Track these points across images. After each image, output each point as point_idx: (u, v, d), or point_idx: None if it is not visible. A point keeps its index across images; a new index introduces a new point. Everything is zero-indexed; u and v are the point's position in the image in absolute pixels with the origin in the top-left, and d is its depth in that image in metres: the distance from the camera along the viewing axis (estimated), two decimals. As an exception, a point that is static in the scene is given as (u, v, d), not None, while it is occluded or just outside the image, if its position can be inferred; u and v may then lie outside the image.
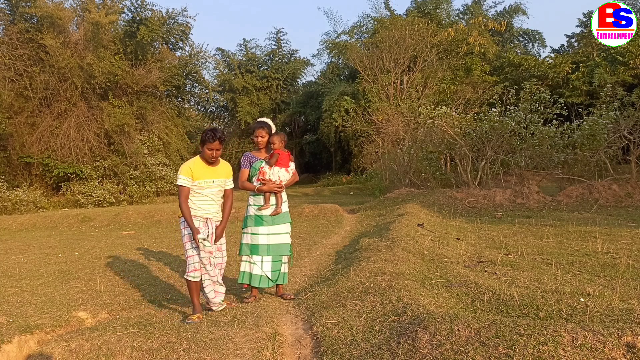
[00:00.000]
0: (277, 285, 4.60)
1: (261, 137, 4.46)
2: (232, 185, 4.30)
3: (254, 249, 4.44)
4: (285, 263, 4.59)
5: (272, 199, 4.47)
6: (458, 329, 2.87)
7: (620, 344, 2.48)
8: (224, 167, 4.22)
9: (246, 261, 4.51)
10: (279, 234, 4.47)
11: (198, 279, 4.04)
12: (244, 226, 4.56)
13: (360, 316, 3.63)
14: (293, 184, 4.65)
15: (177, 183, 3.97)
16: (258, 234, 4.42)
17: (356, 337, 3.32)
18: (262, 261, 4.42)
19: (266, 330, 3.53)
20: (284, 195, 4.57)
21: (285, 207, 4.57)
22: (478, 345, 2.70)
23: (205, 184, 4.03)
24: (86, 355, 3.11)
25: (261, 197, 4.44)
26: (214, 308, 4.20)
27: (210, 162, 4.06)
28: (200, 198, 4.05)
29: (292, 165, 4.56)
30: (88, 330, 3.52)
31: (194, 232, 3.96)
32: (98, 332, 3.38)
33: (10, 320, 3.97)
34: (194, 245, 4.01)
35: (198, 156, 4.12)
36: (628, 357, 2.41)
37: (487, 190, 11.51)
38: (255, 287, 4.55)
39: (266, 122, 4.55)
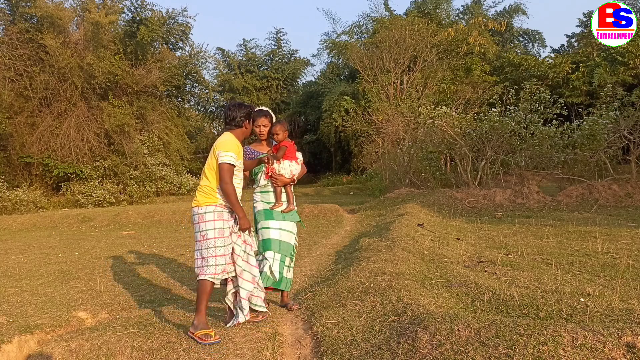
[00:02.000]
0: (282, 292, 4.22)
1: (264, 126, 4.00)
2: None
3: (266, 244, 3.98)
4: (288, 267, 4.12)
5: (283, 195, 4.13)
6: (458, 329, 2.87)
7: (620, 344, 2.48)
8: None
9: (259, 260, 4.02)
10: (289, 231, 4.08)
11: (219, 281, 3.49)
12: (255, 223, 4.13)
13: (360, 316, 3.63)
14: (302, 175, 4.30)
15: (226, 161, 3.38)
16: (269, 228, 4.00)
17: (356, 337, 3.31)
18: (273, 258, 3.98)
19: (266, 330, 3.52)
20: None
21: (294, 203, 4.25)
22: (478, 345, 2.70)
23: (241, 164, 3.62)
24: (86, 355, 3.11)
25: (270, 194, 4.07)
26: (240, 320, 3.57)
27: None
28: (236, 182, 3.56)
29: (299, 155, 4.20)
30: (88, 330, 3.52)
31: (242, 221, 3.48)
32: (98, 332, 3.39)
33: (10, 320, 3.97)
34: (227, 242, 3.44)
35: (230, 133, 3.61)
36: (628, 357, 2.41)
37: (487, 190, 11.51)
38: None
39: (267, 110, 4.11)
